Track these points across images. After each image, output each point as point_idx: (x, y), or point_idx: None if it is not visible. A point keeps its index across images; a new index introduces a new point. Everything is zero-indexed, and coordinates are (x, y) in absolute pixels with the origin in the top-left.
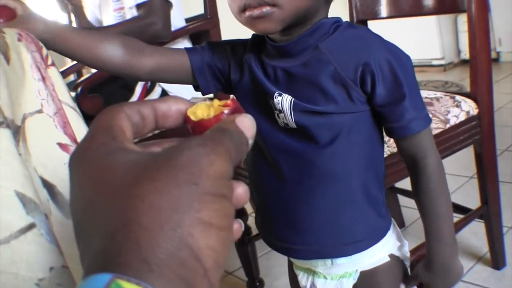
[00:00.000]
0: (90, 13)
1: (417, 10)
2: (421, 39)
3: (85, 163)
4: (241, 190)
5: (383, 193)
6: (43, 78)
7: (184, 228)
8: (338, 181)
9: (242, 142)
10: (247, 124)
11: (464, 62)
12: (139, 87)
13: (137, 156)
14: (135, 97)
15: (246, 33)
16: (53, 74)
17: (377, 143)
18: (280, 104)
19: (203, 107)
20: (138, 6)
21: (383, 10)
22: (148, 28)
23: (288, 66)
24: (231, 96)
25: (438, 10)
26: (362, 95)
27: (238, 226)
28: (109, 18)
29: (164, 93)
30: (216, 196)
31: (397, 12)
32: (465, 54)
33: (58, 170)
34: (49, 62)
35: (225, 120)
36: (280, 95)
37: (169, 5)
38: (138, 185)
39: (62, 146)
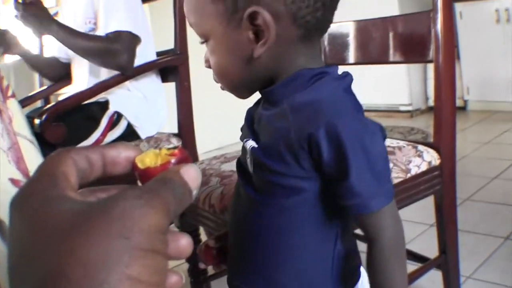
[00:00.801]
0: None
1: (385, 59)
2: (390, 84)
3: (24, 209)
4: (184, 242)
5: (343, 267)
6: (0, 111)
7: (111, 284)
8: (286, 242)
9: (184, 194)
10: (192, 175)
11: (431, 109)
12: (105, 119)
13: (74, 206)
14: (100, 129)
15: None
16: (12, 105)
17: (336, 216)
18: (246, 148)
19: (151, 155)
20: (107, 36)
21: (352, 56)
22: (113, 55)
23: (266, 114)
24: (179, 144)
25: (405, 59)
26: (311, 164)
27: (177, 279)
28: None
29: (129, 127)
30: (147, 251)
31: (365, 59)
32: (433, 101)
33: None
34: (9, 93)
35: (170, 170)
36: (247, 140)
37: (137, 40)
38: (71, 237)
39: (14, 181)
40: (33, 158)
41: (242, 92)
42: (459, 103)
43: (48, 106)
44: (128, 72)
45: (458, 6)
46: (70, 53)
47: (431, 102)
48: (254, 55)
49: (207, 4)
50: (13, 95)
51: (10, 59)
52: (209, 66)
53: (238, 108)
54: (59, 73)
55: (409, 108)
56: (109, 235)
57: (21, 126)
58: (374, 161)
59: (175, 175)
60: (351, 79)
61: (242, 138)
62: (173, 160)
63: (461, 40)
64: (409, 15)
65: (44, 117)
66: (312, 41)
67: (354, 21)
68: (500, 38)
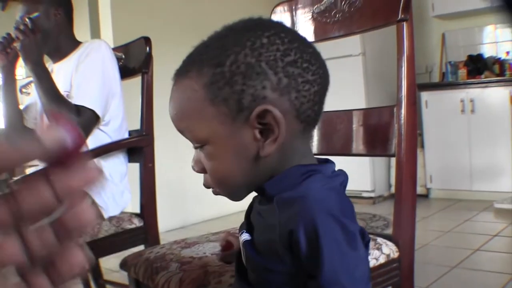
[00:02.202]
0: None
1: (348, 151)
2: (353, 170)
3: None
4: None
5: None
6: None
7: None
8: None
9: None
10: (51, 134)
11: (393, 196)
12: None
13: None
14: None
15: (181, 151)
16: None
17: None
18: (240, 241)
19: None
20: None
21: (316, 146)
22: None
23: (260, 209)
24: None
25: (368, 152)
26: (292, 260)
27: None
28: None
29: (93, 206)
30: None
31: (329, 150)
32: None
33: None
34: None
35: None
36: (242, 232)
37: (97, 121)
38: None
39: None
40: None
41: (240, 194)
42: (422, 191)
43: (14, 179)
44: None
45: (424, 95)
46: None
47: (393, 189)
48: (262, 153)
49: (205, 107)
50: None
51: None
52: (200, 171)
53: (201, 188)
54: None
55: (372, 194)
56: None
57: None
58: (350, 263)
59: None
60: (343, 179)
61: (240, 229)
62: None
63: (426, 128)
64: (373, 109)
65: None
66: (307, 136)
67: None
68: (465, 128)
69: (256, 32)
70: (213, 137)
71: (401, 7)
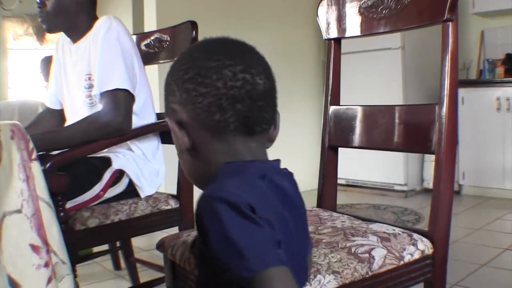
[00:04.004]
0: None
1: (388, 146)
2: (386, 163)
3: None
4: None
5: None
6: (27, 178)
7: None
8: None
9: None
10: None
11: (426, 190)
12: (107, 174)
13: None
14: (102, 184)
15: None
16: (35, 169)
17: None
18: None
19: None
20: (101, 95)
21: (356, 140)
22: (107, 127)
23: None
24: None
25: (408, 148)
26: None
27: None
28: (80, 103)
29: (130, 185)
30: None
31: (369, 144)
32: (428, 183)
33: (26, 271)
34: (33, 156)
35: None
36: None
37: (133, 99)
38: None
39: (34, 247)
40: (49, 221)
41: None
42: (454, 187)
43: (53, 154)
44: (126, 132)
45: (460, 92)
46: (65, 98)
47: (426, 184)
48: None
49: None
50: (36, 158)
51: (14, 98)
52: None
53: None
54: (55, 124)
55: (404, 188)
56: None
57: (41, 189)
58: (244, 231)
59: None
60: (264, 173)
61: None
62: None
63: (461, 125)
64: (415, 106)
65: (48, 165)
66: (227, 139)
67: (360, 106)
68: (499, 126)
69: (180, 55)
70: None
71: (447, 7)
